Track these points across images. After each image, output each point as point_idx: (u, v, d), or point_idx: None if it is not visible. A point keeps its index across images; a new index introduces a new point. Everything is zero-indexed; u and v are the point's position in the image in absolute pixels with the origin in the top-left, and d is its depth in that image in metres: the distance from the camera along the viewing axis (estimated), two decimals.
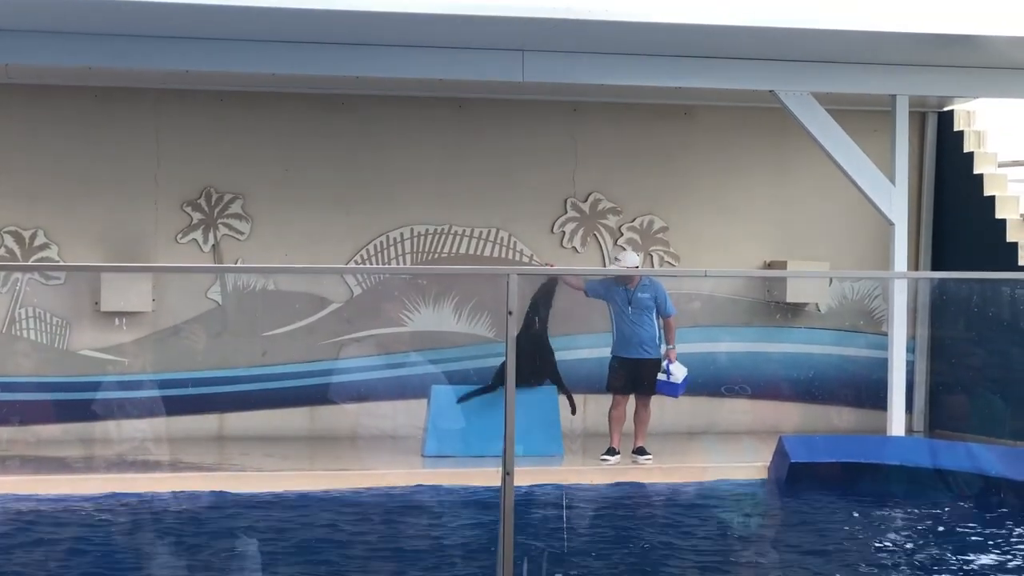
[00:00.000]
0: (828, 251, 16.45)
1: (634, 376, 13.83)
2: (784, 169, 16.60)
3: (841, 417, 16.29)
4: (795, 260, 16.30)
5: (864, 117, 15.45)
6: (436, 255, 15.93)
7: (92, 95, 15.13)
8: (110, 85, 14.97)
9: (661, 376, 13.69)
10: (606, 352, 14.18)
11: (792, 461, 13.13)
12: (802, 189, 16.60)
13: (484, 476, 12.02)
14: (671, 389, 13.76)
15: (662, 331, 13.83)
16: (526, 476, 11.65)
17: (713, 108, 16.32)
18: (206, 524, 11.31)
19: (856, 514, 12.12)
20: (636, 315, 13.78)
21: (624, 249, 15.63)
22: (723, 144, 16.52)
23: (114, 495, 12.13)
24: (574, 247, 16.16)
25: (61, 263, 15.35)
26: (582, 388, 15.05)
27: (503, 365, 14.00)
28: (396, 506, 12.16)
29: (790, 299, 16.40)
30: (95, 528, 11.07)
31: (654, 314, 13.81)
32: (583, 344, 15.51)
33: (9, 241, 15.02)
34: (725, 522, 11.88)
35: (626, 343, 13.85)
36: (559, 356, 14.77)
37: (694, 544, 10.68)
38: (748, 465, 13.80)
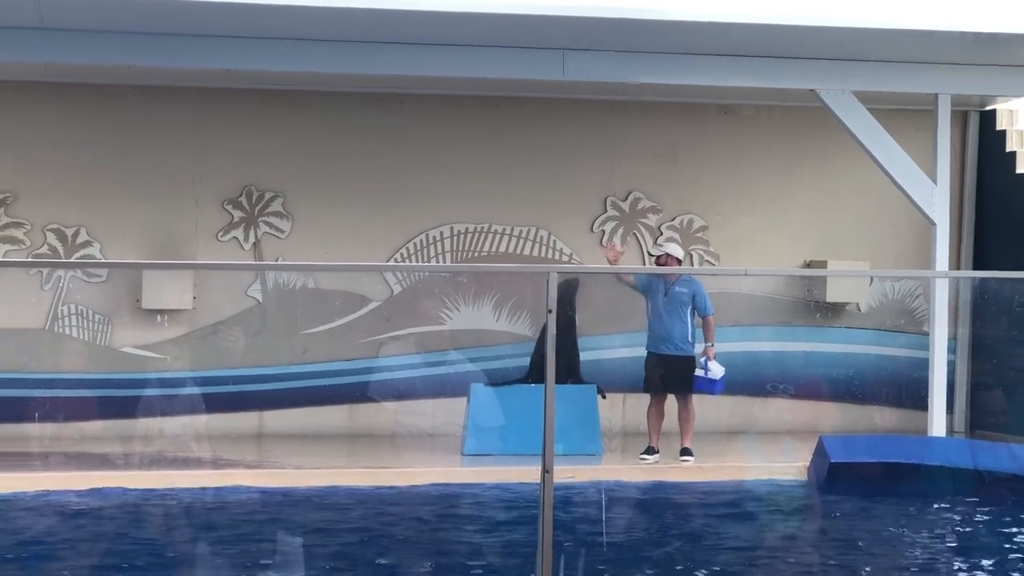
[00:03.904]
0: (869, 250, 16.38)
1: (668, 373, 13.77)
2: (825, 168, 16.54)
3: (881, 417, 16.23)
4: (835, 259, 16.23)
5: (906, 116, 15.36)
6: (476, 253, 15.94)
7: (134, 93, 15.21)
8: (151, 84, 15.04)
9: (699, 372, 13.64)
10: (642, 351, 14.14)
11: (832, 461, 13.08)
12: (843, 188, 16.53)
13: (523, 474, 12.02)
14: (709, 386, 13.70)
15: (699, 329, 13.77)
16: (564, 475, 11.63)
17: (754, 107, 16.27)
18: (246, 521, 11.35)
19: (896, 515, 12.08)
20: (670, 309, 13.71)
21: (671, 240, 15.58)
22: (764, 143, 16.47)
23: (154, 492, 12.19)
24: (610, 245, 16.13)
25: (103, 260, 15.42)
26: (619, 387, 15.04)
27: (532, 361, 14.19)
28: (435, 504, 12.17)
29: (830, 298, 16.33)
30: (136, 524, 11.13)
31: (688, 311, 13.74)
32: (619, 343, 15.49)
33: (52, 238, 15.11)
34: (764, 522, 11.85)
35: (658, 338, 13.81)
36: (596, 355, 14.78)
37: (733, 544, 10.65)
38: (788, 465, 13.75)
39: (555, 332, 6.23)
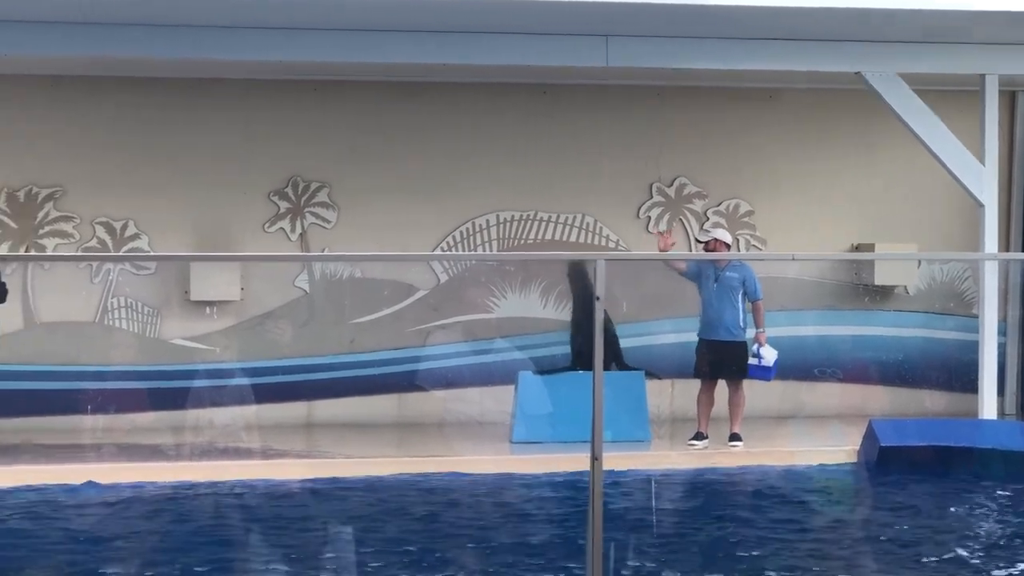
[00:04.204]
0: (916, 233, 16.30)
1: (720, 360, 13.74)
2: (871, 151, 16.46)
3: (931, 400, 16.15)
4: (883, 242, 16.16)
5: (952, 97, 15.25)
6: (522, 241, 15.94)
7: (178, 86, 15.27)
8: (199, 76, 15.11)
9: (752, 360, 13.62)
10: (690, 336, 14.13)
11: (882, 445, 13.04)
12: (890, 171, 16.44)
13: (572, 462, 12.04)
14: (763, 373, 13.68)
15: (749, 315, 13.75)
16: (614, 462, 11.64)
17: (799, 90, 16.19)
18: (296, 510, 11.41)
19: (947, 498, 12.02)
20: (721, 295, 13.67)
21: (718, 226, 15.55)
22: (810, 126, 16.40)
23: (205, 482, 12.27)
24: (660, 232, 16.10)
25: (151, 253, 15.52)
26: (668, 372, 15.03)
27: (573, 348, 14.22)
28: (484, 492, 12.19)
29: (878, 282, 16.27)
30: (187, 515, 11.20)
31: (740, 296, 13.71)
32: (667, 329, 15.47)
33: (101, 232, 15.21)
34: (814, 507, 11.81)
35: (711, 324, 13.79)
36: (645, 341, 14.75)
37: (782, 529, 10.63)
38: (837, 449, 13.72)
39: (602, 319, 6.20)
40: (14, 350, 14.47)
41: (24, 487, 12.03)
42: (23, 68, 14.53)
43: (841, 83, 15.09)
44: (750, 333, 13.74)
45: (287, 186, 15.55)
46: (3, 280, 13.18)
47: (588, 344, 13.94)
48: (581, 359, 14.19)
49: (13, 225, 15.10)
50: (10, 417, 13.94)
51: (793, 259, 17.19)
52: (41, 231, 15.14)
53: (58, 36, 12.69)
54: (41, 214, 15.15)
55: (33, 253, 15.20)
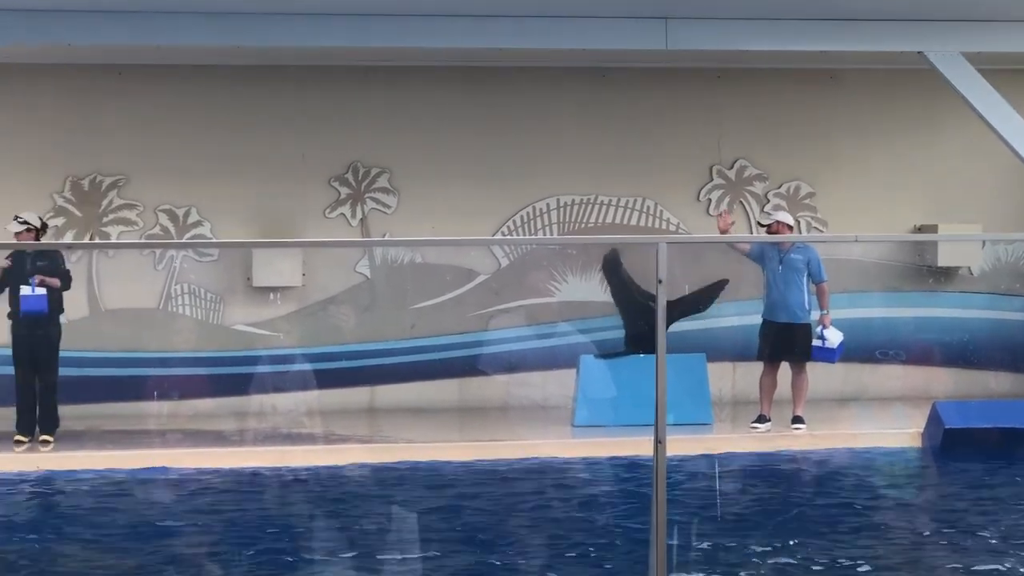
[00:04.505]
0: (980, 213, 16.17)
1: (784, 342, 13.68)
2: (934, 131, 16.33)
3: (996, 382, 16.03)
4: (946, 223, 16.05)
5: (1016, 76, 15.13)
6: (582, 225, 15.93)
7: (240, 74, 15.35)
8: (258, 64, 15.18)
9: (816, 342, 13.56)
10: (753, 319, 14.08)
11: (947, 427, 12.95)
12: (953, 151, 16.32)
13: (635, 445, 12.02)
14: (827, 355, 13.62)
15: (813, 296, 13.69)
16: (676, 445, 11.60)
17: (860, 71, 16.10)
18: (359, 495, 11.46)
19: (1014, 480, 11.94)
20: (786, 276, 13.61)
21: (779, 208, 15.50)
22: (871, 107, 16.29)
23: (268, 468, 12.34)
24: (720, 213, 16.03)
25: (214, 240, 15.61)
26: (730, 356, 15.00)
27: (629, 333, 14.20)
28: (548, 476, 12.20)
29: (942, 263, 16.16)
30: (251, 500, 11.27)
31: (804, 278, 13.65)
32: (730, 312, 15.42)
33: (164, 219, 15.32)
34: (878, 490, 11.76)
35: (775, 306, 13.73)
36: (708, 324, 14.73)
37: (847, 512, 10.59)
38: (901, 432, 13.64)
39: (665, 303, 6.17)
40: (79, 337, 14.58)
41: (89, 471, 12.16)
42: (87, 58, 14.64)
43: (903, 63, 14.96)
44: (814, 315, 13.68)
45: (347, 172, 15.61)
46: (68, 267, 13.29)
47: (638, 329, 13.98)
48: (635, 343, 14.14)
49: (78, 213, 15.24)
50: (75, 403, 14.05)
51: (856, 240, 17.07)
52: (105, 219, 15.27)
53: (121, 25, 12.76)
54: (105, 202, 15.28)
55: (98, 241, 15.33)
